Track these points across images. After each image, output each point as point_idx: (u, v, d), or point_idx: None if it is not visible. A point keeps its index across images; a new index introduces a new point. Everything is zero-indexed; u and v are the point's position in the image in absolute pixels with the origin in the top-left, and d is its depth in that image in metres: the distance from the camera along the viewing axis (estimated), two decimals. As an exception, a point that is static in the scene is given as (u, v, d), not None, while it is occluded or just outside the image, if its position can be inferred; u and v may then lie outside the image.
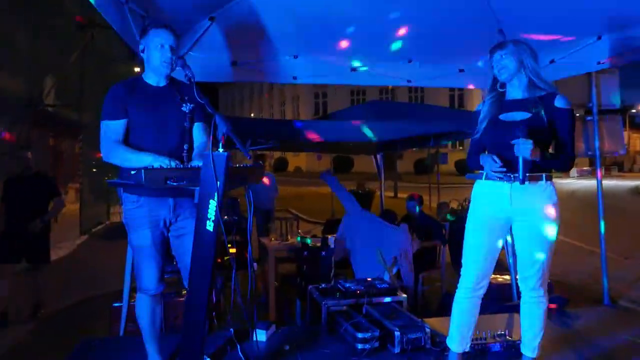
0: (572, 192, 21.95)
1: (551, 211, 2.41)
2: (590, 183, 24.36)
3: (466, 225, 2.56)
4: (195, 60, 3.69)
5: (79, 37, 8.54)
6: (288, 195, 18.21)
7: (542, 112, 2.38)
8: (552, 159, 2.40)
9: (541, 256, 2.45)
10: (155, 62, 2.35)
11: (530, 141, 2.24)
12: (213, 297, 3.62)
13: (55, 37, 8.43)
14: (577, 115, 5.15)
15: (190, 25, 3.41)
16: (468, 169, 2.70)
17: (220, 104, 49.14)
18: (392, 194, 15.75)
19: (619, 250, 7.71)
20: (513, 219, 2.48)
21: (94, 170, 11.86)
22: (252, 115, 41.79)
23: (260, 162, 9.29)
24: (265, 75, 4.07)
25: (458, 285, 2.57)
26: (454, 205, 8.39)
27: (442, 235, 5.27)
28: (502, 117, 2.46)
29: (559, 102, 2.40)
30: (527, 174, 2.32)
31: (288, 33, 3.67)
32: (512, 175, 2.38)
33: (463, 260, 2.55)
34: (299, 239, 4.70)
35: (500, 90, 2.52)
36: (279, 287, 5.00)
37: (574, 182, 29.02)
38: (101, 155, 2.31)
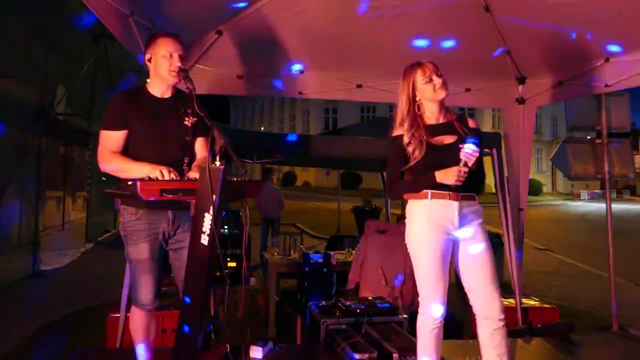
0: (582, 215, 21.72)
1: (484, 230, 2.46)
2: (601, 206, 24.06)
3: (418, 250, 2.43)
4: (202, 72, 3.72)
5: (92, 48, 8.70)
6: (295, 209, 18.21)
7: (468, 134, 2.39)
8: (479, 174, 2.42)
9: (495, 276, 2.39)
10: (163, 72, 2.33)
11: (478, 149, 2.29)
12: (211, 311, 3.58)
13: (68, 47, 8.58)
14: (589, 137, 5.12)
15: (197, 38, 3.43)
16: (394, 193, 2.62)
17: (231, 118, 49.53)
18: (399, 212, 15.67)
19: (629, 275, 7.57)
20: (457, 241, 2.43)
21: (103, 178, 11.93)
22: (262, 129, 42.03)
23: (271, 175, 9.75)
24: (271, 89, 4.08)
25: (423, 314, 2.41)
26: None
27: None
28: (433, 141, 2.41)
29: (472, 123, 2.49)
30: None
31: (295, 48, 3.69)
32: (460, 195, 2.38)
33: (426, 289, 2.40)
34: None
35: (418, 112, 2.45)
36: (279, 303, 4.95)
37: (585, 205, 28.70)
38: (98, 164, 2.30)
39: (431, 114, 2.46)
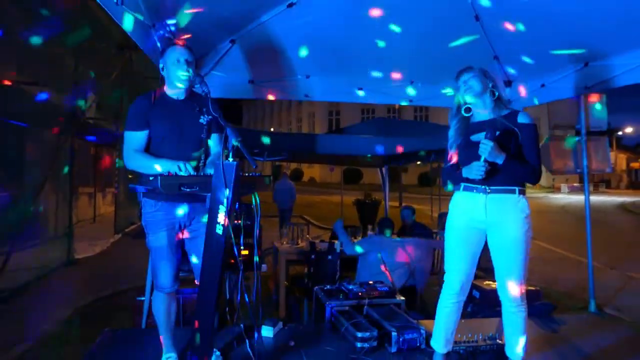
0: (562, 206, 21.56)
1: (523, 224, 2.32)
2: (580, 198, 23.90)
3: (445, 235, 2.48)
4: (217, 78, 3.70)
5: (118, 59, 8.70)
6: (302, 203, 18.18)
7: (509, 128, 2.32)
8: (517, 166, 2.30)
9: (517, 267, 2.33)
10: (173, 77, 2.31)
11: (491, 143, 2.23)
12: (227, 295, 3.56)
13: (97, 58, 8.59)
14: (570, 135, 5.06)
15: (212, 46, 3.40)
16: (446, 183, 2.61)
17: (244, 120, 49.51)
18: (397, 204, 15.60)
19: (606, 260, 7.50)
20: (487, 230, 2.39)
21: (130, 176, 11.93)
22: (272, 129, 41.95)
23: (285, 172, 10.29)
24: (280, 93, 4.05)
25: (442, 291, 2.48)
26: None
27: (433, 239, 5.21)
28: (472, 137, 2.40)
29: (521, 118, 2.36)
30: (485, 174, 2.26)
31: (301, 55, 3.65)
32: (487, 188, 2.33)
33: (446, 268, 2.47)
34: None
35: (466, 115, 2.44)
36: (289, 287, 4.93)
37: (565, 197, 28.51)
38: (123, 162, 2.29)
39: (484, 109, 2.42)
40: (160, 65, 2.36)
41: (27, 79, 6.49)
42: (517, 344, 2.42)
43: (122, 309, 4.64)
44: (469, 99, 2.39)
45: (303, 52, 3.55)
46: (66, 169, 7.66)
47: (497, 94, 2.40)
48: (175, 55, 2.29)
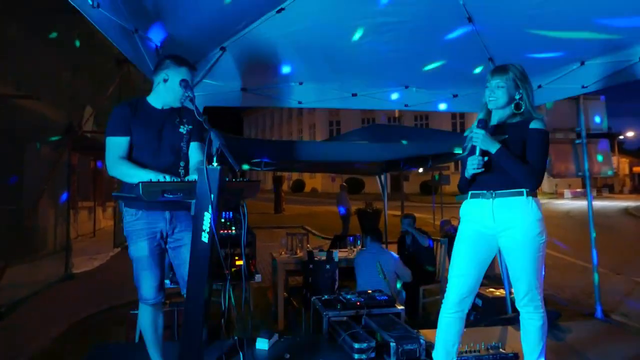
0: (566, 212, 21.39)
1: (534, 227, 2.20)
2: (584, 203, 23.65)
3: (455, 243, 2.39)
4: (208, 86, 3.66)
5: (117, 71, 8.70)
6: (304, 213, 18.09)
7: (516, 137, 2.24)
8: (510, 162, 2.18)
9: (526, 272, 2.22)
10: (175, 96, 2.29)
11: (482, 131, 2.20)
12: (223, 306, 3.48)
13: (95, 71, 8.61)
14: (570, 138, 4.99)
15: (203, 54, 3.35)
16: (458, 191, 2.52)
17: (244, 131, 49.60)
18: (399, 213, 15.49)
19: (611, 266, 7.37)
20: (498, 235, 2.29)
21: (130, 190, 11.83)
22: (273, 141, 41.95)
23: (345, 185, 12.65)
24: (272, 100, 3.99)
25: (443, 301, 2.37)
26: (454, 222, 8.20)
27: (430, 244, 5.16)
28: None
29: (533, 124, 2.24)
30: (479, 169, 2.20)
31: (293, 62, 3.60)
32: (493, 193, 2.25)
33: (448, 276, 2.37)
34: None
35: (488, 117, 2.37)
36: (287, 298, 4.83)
37: (568, 203, 28.31)
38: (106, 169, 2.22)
39: (503, 116, 2.31)
40: (164, 76, 2.28)
41: (23, 92, 6.48)
42: (532, 354, 2.32)
43: (118, 324, 4.55)
44: (490, 106, 2.29)
45: (295, 58, 3.51)
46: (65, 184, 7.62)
47: (523, 107, 2.25)
48: (182, 76, 2.25)
